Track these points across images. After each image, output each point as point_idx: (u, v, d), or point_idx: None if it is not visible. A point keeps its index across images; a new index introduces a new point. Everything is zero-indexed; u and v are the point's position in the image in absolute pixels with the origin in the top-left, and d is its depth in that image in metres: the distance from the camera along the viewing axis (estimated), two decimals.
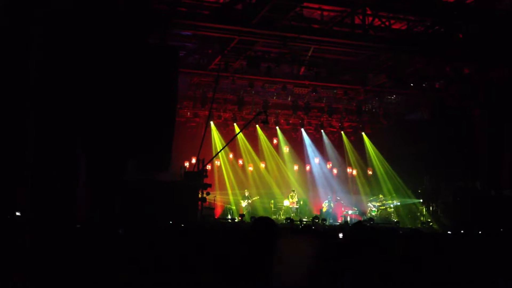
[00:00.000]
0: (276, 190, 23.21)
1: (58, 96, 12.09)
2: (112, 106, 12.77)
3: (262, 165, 23.48)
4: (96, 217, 12.03)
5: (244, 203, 21.48)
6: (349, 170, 24.57)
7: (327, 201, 22.20)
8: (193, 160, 18.89)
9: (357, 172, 24.45)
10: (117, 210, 12.64)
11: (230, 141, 19.59)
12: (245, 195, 21.78)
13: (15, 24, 11.73)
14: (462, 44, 15.63)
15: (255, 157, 23.50)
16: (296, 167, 23.94)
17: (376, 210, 21.84)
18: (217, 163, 22.69)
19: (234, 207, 21.39)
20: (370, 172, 24.08)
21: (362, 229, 4.84)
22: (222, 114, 22.48)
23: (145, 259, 6.23)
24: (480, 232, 14.17)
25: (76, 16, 12.18)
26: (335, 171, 24.48)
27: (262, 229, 4.46)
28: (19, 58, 11.73)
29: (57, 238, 6.89)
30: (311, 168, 24.38)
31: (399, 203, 22.00)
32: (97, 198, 12.62)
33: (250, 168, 23.30)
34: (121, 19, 12.79)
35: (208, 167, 19.33)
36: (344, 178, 24.69)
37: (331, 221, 21.15)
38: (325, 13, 14.98)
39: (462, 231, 14.38)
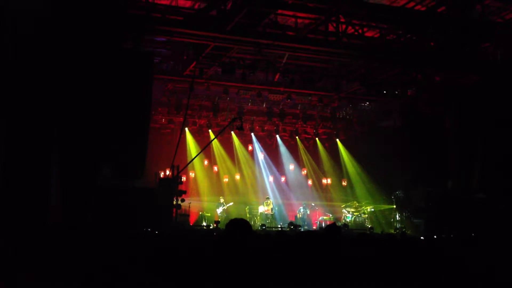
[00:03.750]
0: (251, 196, 23.19)
1: (32, 100, 11.90)
2: (85, 111, 12.64)
3: (237, 177, 23.42)
4: (67, 222, 11.84)
5: (219, 210, 21.41)
6: (323, 178, 24.70)
7: (302, 207, 22.30)
8: (168, 172, 18.73)
9: (332, 178, 24.61)
10: (90, 216, 12.46)
11: (205, 147, 19.48)
12: (220, 201, 21.72)
13: None
14: (434, 52, 15.94)
15: (230, 164, 23.47)
16: (271, 178, 23.94)
17: (350, 216, 22.01)
18: (191, 174, 22.56)
19: (209, 214, 21.29)
20: (344, 184, 24.27)
21: (335, 229, 4.91)
22: (197, 120, 22.43)
23: (118, 264, 6.17)
24: (452, 236, 14.42)
25: (52, 19, 12.03)
26: (310, 182, 24.57)
27: (236, 229, 4.49)
28: None
29: (27, 241, 6.78)
30: (286, 175, 24.44)
31: (373, 209, 22.21)
32: (70, 204, 12.44)
33: (226, 180, 23.20)
34: (96, 24, 12.68)
35: (183, 178, 19.19)
36: (318, 185, 24.82)
37: (306, 227, 21.23)
38: (300, 21, 15.14)
39: (434, 236, 14.58)
